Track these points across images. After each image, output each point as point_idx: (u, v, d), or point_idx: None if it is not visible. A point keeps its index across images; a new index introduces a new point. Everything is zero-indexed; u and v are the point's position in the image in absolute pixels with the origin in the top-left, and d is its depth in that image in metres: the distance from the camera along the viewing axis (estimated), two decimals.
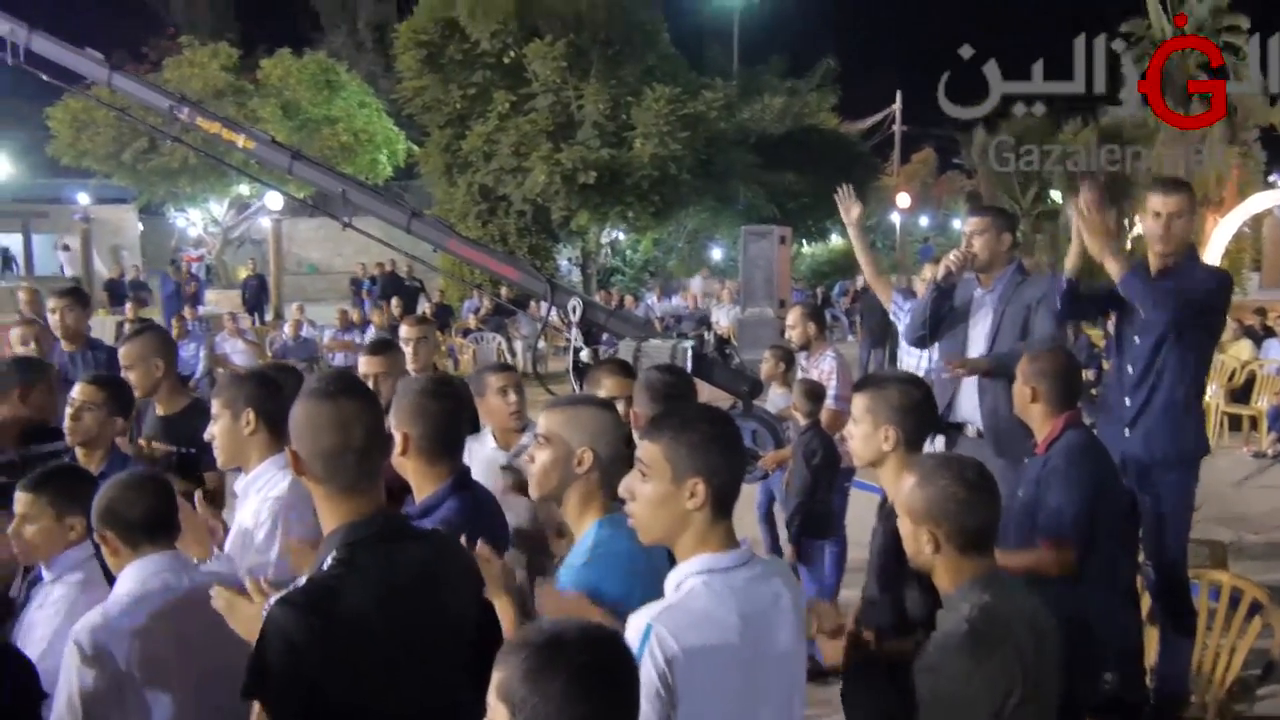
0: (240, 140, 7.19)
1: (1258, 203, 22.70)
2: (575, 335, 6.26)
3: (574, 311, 6.20)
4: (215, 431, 3.22)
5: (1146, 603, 4.15)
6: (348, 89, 28.46)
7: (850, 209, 5.39)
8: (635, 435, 2.40)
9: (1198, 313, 4.05)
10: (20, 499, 2.96)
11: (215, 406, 3.23)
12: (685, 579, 2.06)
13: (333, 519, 2.09)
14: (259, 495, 3.14)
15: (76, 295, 6.11)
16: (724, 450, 2.09)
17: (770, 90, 28.00)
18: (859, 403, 2.90)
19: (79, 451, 3.84)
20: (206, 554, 3.01)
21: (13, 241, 30.87)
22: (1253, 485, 9.23)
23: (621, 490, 2.16)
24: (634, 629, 1.96)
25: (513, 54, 21.89)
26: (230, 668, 2.04)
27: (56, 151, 26.46)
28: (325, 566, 2.01)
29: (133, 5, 38.60)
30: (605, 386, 3.61)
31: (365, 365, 4.55)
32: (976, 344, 4.63)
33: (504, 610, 2.28)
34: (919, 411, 2.84)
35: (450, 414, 2.87)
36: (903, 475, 2.53)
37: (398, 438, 2.74)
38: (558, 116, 21.39)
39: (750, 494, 7.49)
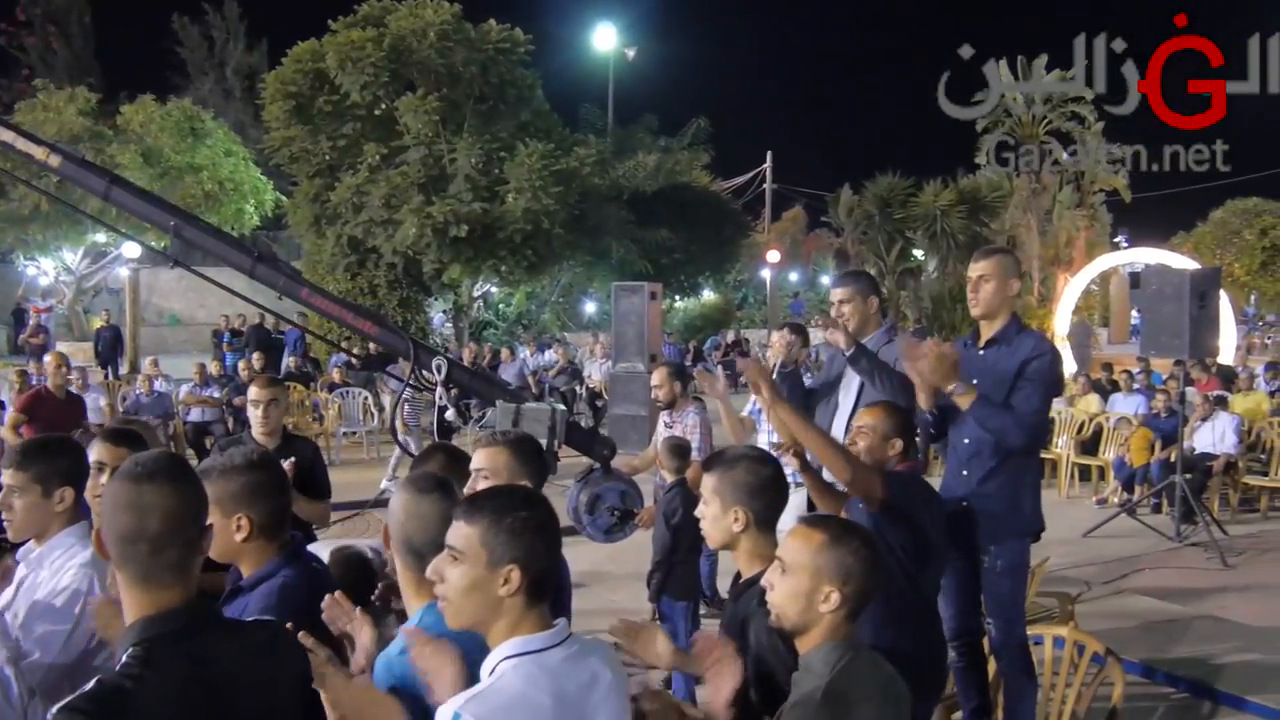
0: (40, 154, 6.46)
1: (1104, 262, 23.95)
2: (440, 395, 6.12)
3: (439, 371, 6.06)
4: (17, 505, 2.99)
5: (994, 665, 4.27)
6: (213, 137, 27.80)
7: (714, 383, 5.34)
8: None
9: (1020, 382, 4.14)
10: None
11: (19, 479, 2.99)
12: (497, 663, 2.01)
13: (130, 611, 1.94)
14: (56, 564, 2.97)
15: None
16: (541, 535, 2.05)
17: (643, 148, 28.42)
18: (707, 483, 2.82)
19: None
20: None
21: None
22: (1099, 535, 9.60)
23: (430, 573, 2.09)
24: (442, 718, 1.89)
25: (384, 106, 21.72)
26: None
27: None
28: (118, 667, 1.85)
29: None
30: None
31: None
32: (845, 406, 4.70)
33: (328, 702, 2.18)
34: (769, 490, 2.78)
35: (284, 485, 2.78)
36: (791, 538, 2.47)
37: (237, 523, 2.60)
38: (429, 170, 21.24)
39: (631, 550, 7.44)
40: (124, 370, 21.72)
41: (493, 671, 2.00)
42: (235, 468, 2.64)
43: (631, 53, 31.37)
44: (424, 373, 6.27)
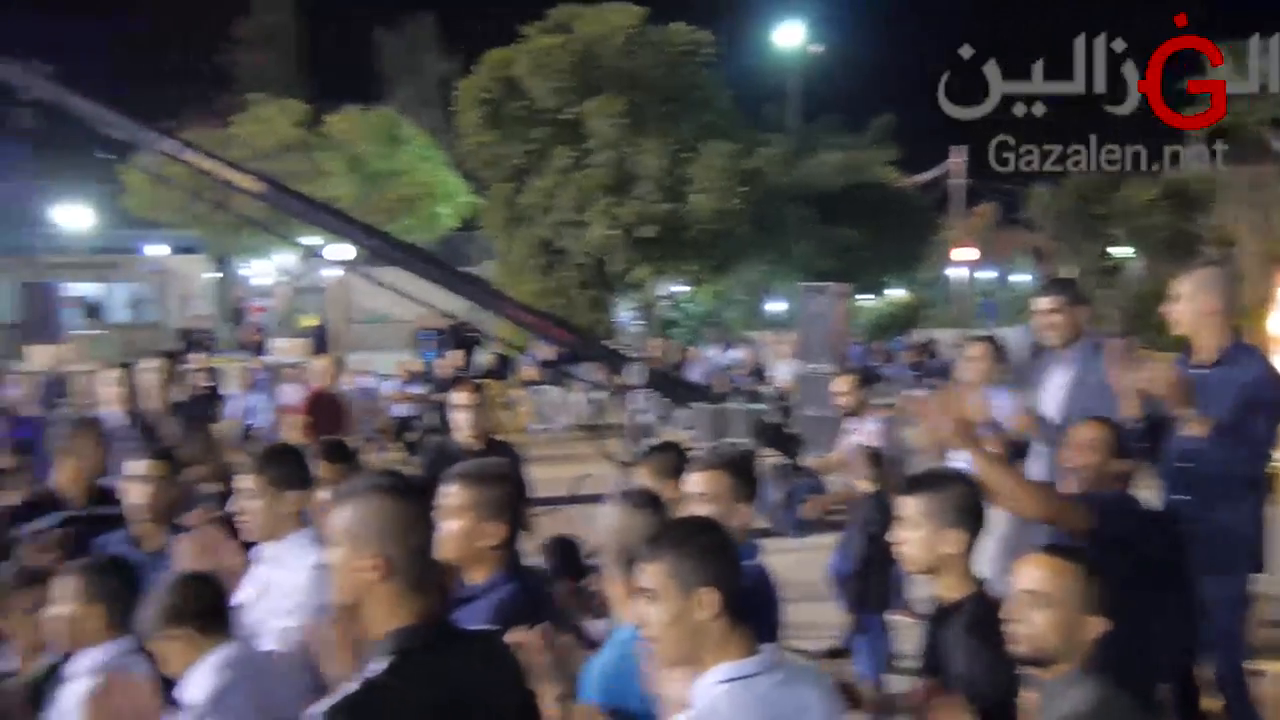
0: (248, 183, 6.93)
1: None
2: (636, 398, 6.29)
3: (638, 375, 6.24)
4: (253, 507, 3.28)
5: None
6: (411, 143, 29.01)
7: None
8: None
9: (1250, 409, 3.95)
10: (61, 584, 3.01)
11: (255, 483, 3.28)
12: (708, 689, 2.06)
13: (389, 621, 2.06)
14: (291, 564, 3.23)
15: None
16: (724, 554, 2.12)
17: (828, 145, 28.11)
18: (914, 505, 2.75)
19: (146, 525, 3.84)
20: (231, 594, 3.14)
21: (93, 291, 31.70)
22: None
23: (634, 621, 2.18)
24: None
25: (572, 111, 22.24)
26: None
27: (132, 206, 27.24)
28: (373, 674, 1.99)
29: (203, 64, 39.74)
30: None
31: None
32: (1048, 411, 4.58)
33: (545, 698, 2.30)
34: (979, 512, 2.75)
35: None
36: (1043, 569, 2.48)
37: (492, 529, 2.72)
38: (616, 172, 21.63)
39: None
40: None
41: (702, 697, 2.06)
42: (498, 476, 2.80)
43: (817, 49, 31.03)
44: (621, 377, 6.46)
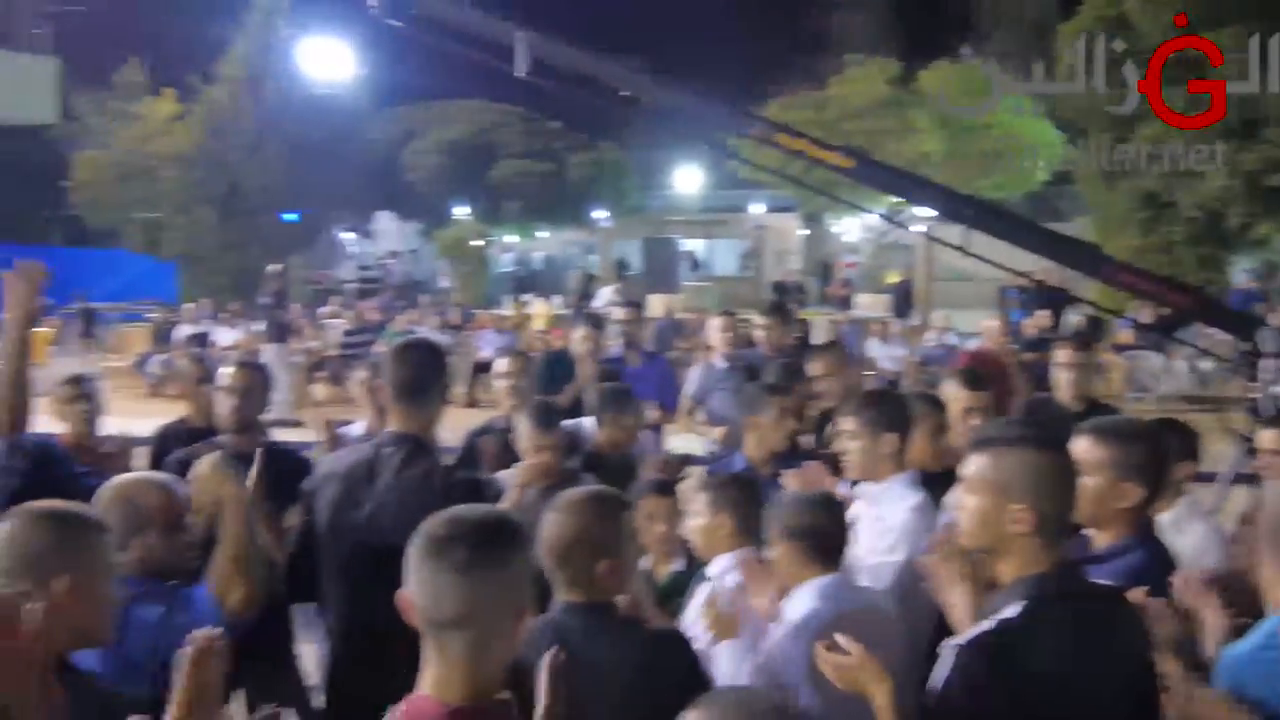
0: (831, 157, 6.92)
1: None
2: (1269, 367, 5.61)
3: (1271, 342, 5.58)
4: (852, 447, 3.45)
5: None
6: (1003, 94, 27.99)
7: None
8: None
9: None
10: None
11: (853, 423, 3.45)
12: None
13: (1026, 567, 2.09)
14: (891, 506, 3.36)
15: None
16: None
17: None
18: None
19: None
20: None
21: (699, 247, 35.04)
22: None
23: None
24: None
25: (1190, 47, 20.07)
26: None
27: (735, 168, 29.46)
28: (1010, 615, 2.04)
29: (804, 29, 41.47)
30: None
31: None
32: None
33: (1169, 669, 2.17)
34: None
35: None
36: None
37: (1128, 490, 2.63)
38: (1241, 111, 19.21)
39: None
40: (915, 322, 23.17)
41: None
42: (1138, 434, 2.69)
43: None
44: (1250, 343, 5.82)
